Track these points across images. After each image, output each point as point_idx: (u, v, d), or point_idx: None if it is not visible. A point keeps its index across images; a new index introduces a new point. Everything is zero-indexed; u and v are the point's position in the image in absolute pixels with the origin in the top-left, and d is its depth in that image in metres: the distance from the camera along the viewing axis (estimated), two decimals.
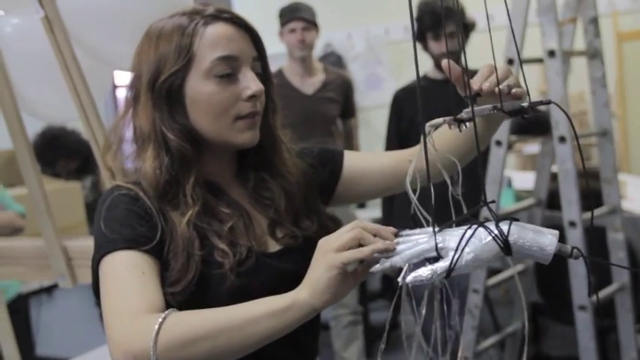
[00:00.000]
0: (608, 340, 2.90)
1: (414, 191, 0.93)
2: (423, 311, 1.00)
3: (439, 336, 1.00)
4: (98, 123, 1.48)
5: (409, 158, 1.07)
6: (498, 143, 2.48)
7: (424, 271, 0.83)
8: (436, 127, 0.94)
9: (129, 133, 1.10)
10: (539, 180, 2.80)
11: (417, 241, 0.88)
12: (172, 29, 1.04)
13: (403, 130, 2.85)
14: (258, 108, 1.07)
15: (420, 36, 2.76)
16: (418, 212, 0.98)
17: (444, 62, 1.00)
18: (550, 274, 2.91)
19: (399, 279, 0.84)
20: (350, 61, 5.32)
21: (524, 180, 3.53)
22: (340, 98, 3.29)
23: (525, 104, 0.92)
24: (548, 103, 0.92)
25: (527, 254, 0.84)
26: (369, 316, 3.89)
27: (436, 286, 0.96)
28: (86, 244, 1.68)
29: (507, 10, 0.93)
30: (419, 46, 2.81)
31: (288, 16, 3.20)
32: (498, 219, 0.84)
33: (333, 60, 5.07)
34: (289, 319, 0.86)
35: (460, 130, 0.98)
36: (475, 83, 0.95)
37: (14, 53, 1.64)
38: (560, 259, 0.84)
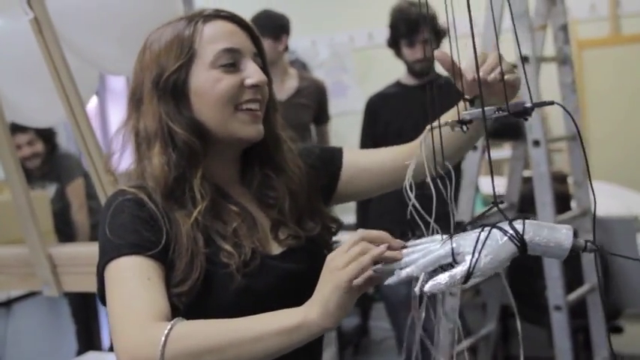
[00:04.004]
0: (576, 340, 2.96)
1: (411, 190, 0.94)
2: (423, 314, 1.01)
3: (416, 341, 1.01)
4: (87, 125, 1.45)
5: (406, 161, 1.08)
6: (473, 147, 2.52)
7: (442, 278, 0.82)
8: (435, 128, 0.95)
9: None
10: (510, 184, 2.85)
11: (427, 249, 0.87)
12: (172, 33, 1.05)
13: (378, 135, 2.87)
14: (260, 97, 1.07)
15: (394, 43, 2.79)
16: (415, 216, 0.99)
17: (437, 53, 1.00)
18: (519, 276, 2.95)
19: (416, 288, 0.84)
20: (314, 69, 5.33)
21: (491, 185, 3.58)
22: (313, 104, 3.28)
23: (529, 105, 0.93)
24: (552, 104, 0.93)
25: (543, 251, 0.84)
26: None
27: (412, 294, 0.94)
28: (71, 250, 1.64)
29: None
30: (392, 52, 2.84)
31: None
32: (510, 219, 0.85)
33: (298, 67, 5.06)
34: (298, 338, 0.86)
35: (464, 132, 1.00)
36: (468, 73, 0.96)
37: None
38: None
